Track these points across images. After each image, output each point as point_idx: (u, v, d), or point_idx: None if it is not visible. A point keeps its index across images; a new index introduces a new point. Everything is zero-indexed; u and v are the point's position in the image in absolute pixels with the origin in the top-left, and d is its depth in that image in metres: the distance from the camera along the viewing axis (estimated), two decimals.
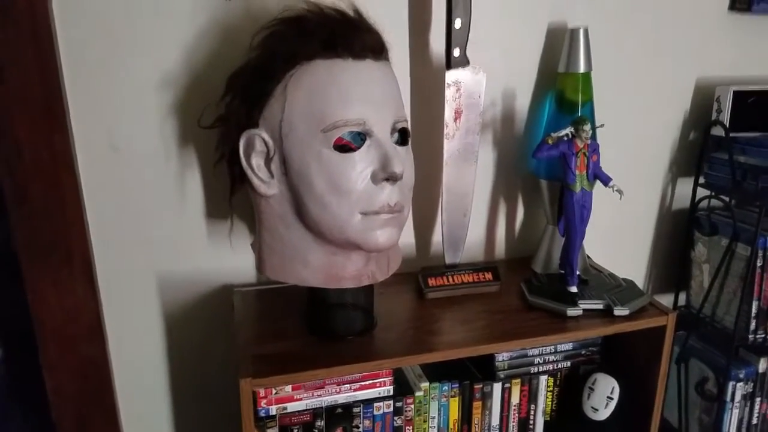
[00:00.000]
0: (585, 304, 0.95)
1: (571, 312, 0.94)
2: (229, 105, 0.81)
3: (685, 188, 1.26)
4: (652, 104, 1.19)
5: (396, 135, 0.80)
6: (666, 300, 1.32)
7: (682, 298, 1.30)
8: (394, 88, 0.80)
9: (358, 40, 0.75)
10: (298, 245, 0.81)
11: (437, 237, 1.12)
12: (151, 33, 0.90)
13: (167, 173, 0.97)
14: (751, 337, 1.17)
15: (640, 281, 1.32)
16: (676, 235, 1.30)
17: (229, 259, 1.04)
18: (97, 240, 0.97)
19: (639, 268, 1.31)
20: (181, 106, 0.94)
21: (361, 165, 0.75)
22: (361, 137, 0.75)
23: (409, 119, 1.03)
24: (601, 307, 0.95)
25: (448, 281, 1.01)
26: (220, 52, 0.92)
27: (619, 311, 0.94)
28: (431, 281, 1.01)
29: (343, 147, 0.75)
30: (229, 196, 0.86)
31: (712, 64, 1.20)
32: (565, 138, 0.92)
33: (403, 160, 0.78)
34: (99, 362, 1.02)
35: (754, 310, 1.16)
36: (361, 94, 0.75)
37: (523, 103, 1.10)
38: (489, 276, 1.03)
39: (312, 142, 0.74)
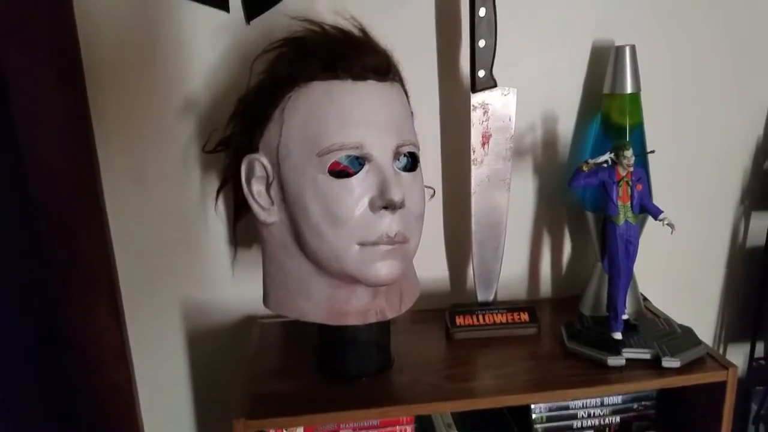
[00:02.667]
0: (629, 353, 0.83)
1: (613, 361, 0.83)
2: (233, 129, 0.79)
3: (761, 223, 1.11)
4: (717, 128, 1.06)
5: (404, 160, 0.74)
6: (741, 350, 1.16)
7: (760, 349, 1.13)
8: (400, 109, 0.75)
9: (359, 60, 0.70)
10: (301, 277, 0.76)
11: (471, 272, 1.04)
12: (173, 62, 0.90)
13: (189, 199, 0.96)
14: None
15: (710, 328, 1.17)
16: (751, 276, 1.14)
17: (253, 289, 1.00)
18: (123, 267, 0.97)
19: (708, 313, 1.16)
20: (202, 134, 0.93)
21: (358, 191, 0.70)
22: (359, 161, 0.70)
23: (438, 146, 0.98)
24: (648, 357, 0.83)
25: (478, 321, 0.93)
26: (240, 77, 0.90)
27: (668, 363, 0.81)
28: (459, 320, 0.93)
29: (339, 172, 0.70)
30: (233, 223, 0.84)
31: None
32: (605, 165, 0.82)
33: (407, 187, 0.72)
34: (124, 387, 1.01)
35: None
36: (359, 116, 0.70)
37: (566, 127, 1.01)
38: (525, 317, 0.94)
39: (307, 166, 0.70)
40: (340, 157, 0.70)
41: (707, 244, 1.12)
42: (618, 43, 0.92)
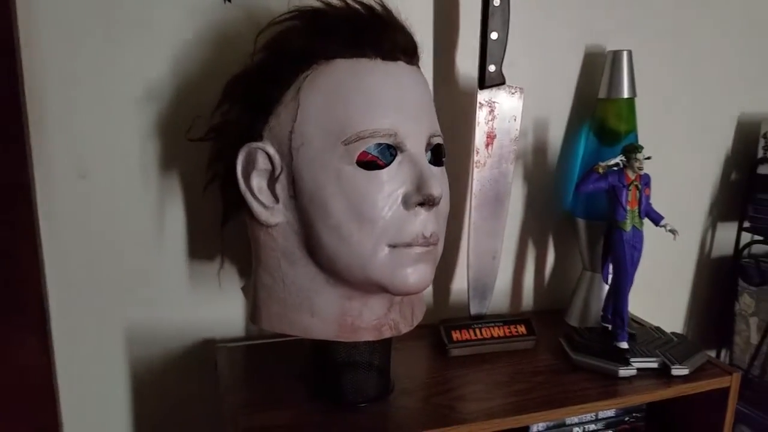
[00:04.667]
0: (638, 363, 0.81)
1: (624, 372, 0.80)
2: (227, 114, 0.67)
3: (726, 233, 1.15)
4: (691, 140, 1.09)
5: (429, 154, 0.66)
6: None
7: (725, 356, 1.17)
8: (429, 97, 0.67)
9: (388, 38, 0.62)
10: (306, 287, 0.65)
11: (457, 284, 0.97)
12: (133, 42, 0.77)
13: (144, 203, 0.81)
14: None
15: None
16: (717, 285, 1.17)
17: (214, 308, 0.87)
18: (54, 284, 0.80)
19: (676, 321, 1.17)
20: (166, 124, 0.80)
21: (390, 186, 0.61)
22: (390, 152, 0.61)
23: None
24: (655, 365, 0.81)
25: (475, 336, 0.86)
26: (217, 61, 0.79)
27: (677, 370, 0.80)
28: (455, 335, 0.86)
29: (368, 163, 0.61)
30: (221, 225, 0.71)
31: (758, 98, 1.11)
32: (615, 168, 0.80)
33: (441, 182, 0.64)
34: None
35: None
36: (392, 100, 0.61)
37: (556, 133, 0.98)
38: (522, 329, 0.88)
39: (330, 157, 0.60)
40: (370, 145, 0.60)
41: (675, 255, 1.13)
42: (611, 48, 0.91)
